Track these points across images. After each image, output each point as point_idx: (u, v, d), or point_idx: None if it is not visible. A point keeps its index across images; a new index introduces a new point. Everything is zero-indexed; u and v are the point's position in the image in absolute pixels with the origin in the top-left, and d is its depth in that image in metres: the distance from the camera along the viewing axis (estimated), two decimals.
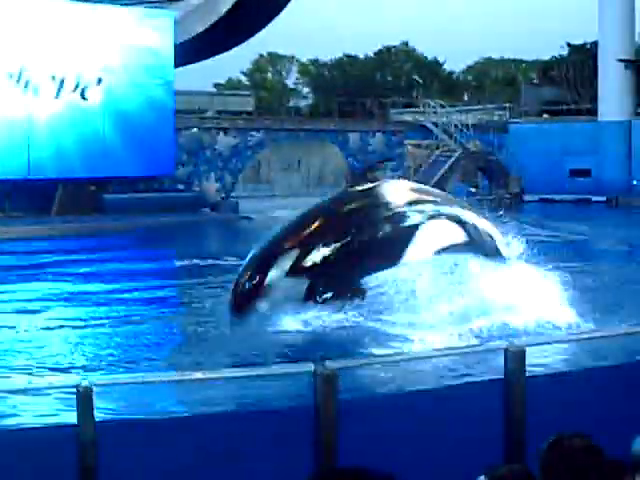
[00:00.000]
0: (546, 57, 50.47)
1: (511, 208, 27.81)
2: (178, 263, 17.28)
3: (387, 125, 36.47)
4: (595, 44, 37.49)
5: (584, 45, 44.94)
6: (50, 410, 6.29)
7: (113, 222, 25.21)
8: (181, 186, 30.10)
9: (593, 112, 35.66)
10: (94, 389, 4.74)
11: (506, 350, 5.79)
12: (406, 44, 54.28)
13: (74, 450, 4.66)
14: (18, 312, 12.00)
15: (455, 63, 56.22)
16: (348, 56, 53.53)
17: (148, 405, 6.40)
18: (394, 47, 54.20)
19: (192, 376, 6.40)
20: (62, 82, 27.01)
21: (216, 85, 50.30)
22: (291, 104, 50.70)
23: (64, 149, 26.95)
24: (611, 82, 34.41)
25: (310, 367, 5.28)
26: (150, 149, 27.99)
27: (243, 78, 54.93)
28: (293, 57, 55.19)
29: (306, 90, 55.12)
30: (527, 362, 5.56)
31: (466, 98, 47.12)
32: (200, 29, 30.54)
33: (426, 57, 54.51)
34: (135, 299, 12.69)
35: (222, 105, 36.01)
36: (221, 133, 31.60)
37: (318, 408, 5.14)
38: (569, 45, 47.76)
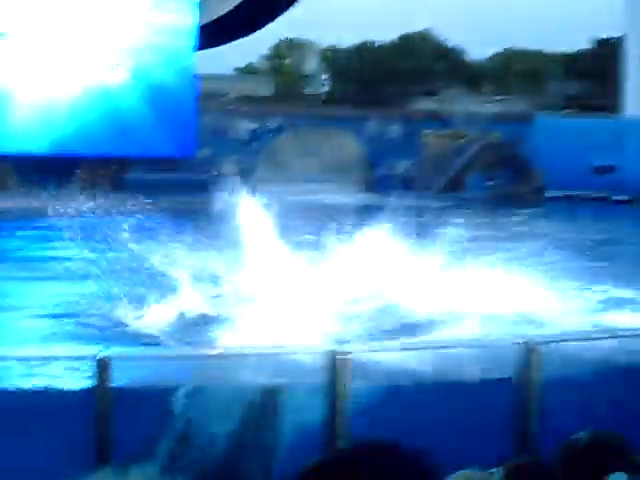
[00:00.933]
0: (571, 50, 50.10)
1: (532, 204, 27.36)
2: None
3: (406, 113, 36.30)
4: (621, 39, 37.11)
5: (609, 39, 44.56)
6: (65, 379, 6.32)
7: (133, 201, 25.27)
8: (200, 168, 30.05)
9: (618, 107, 35.26)
10: (111, 360, 4.79)
11: (522, 344, 5.70)
12: (428, 31, 53.97)
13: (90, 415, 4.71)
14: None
15: (478, 52, 55.87)
16: (368, 42, 53.27)
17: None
18: (415, 34, 53.90)
19: (209, 352, 6.39)
20: (83, 62, 27.07)
21: (236, 69, 50.17)
22: (310, 90, 50.56)
23: (86, 127, 27.05)
24: (636, 77, 34.01)
25: (326, 349, 5.29)
26: (171, 130, 27.98)
27: (263, 63, 54.76)
28: (313, 43, 54.94)
29: (325, 76, 54.89)
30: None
31: (488, 88, 46.80)
32: (222, 12, 30.42)
33: (448, 45, 54.20)
34: None
35: (242, 89, 35.95)
36: (240, 117, 31.57)
37: (333, 390, 5.17)
38: (594, 39, 47.41)
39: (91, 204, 24.18)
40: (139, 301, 11.04)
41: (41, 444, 4.87)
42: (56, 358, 6.04)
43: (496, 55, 55.66)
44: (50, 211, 22.07)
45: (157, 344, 8.68)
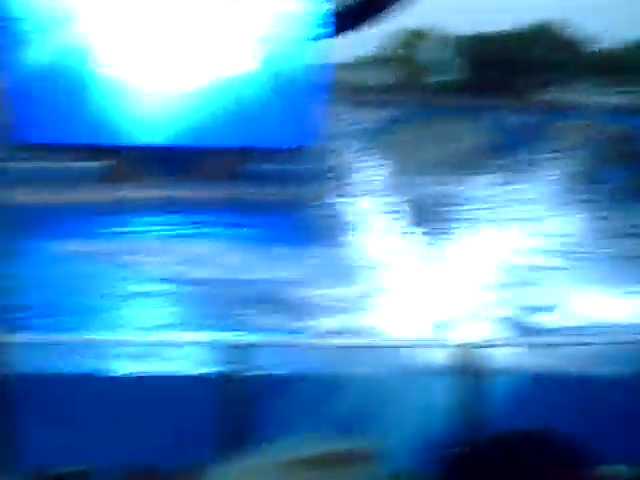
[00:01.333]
0: None
1: None
2: None
3: (534, 104, 35.52)
4: None
5: None
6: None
7: (253, 192, 25.53)
8: (323, 159, 30.06)
9: None
10: (246, 347, 4.79)
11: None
12: (557, 20, 52.61)
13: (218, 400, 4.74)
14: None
15: (608, 42, 54.06)
16: (496, 31, 52.28)
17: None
18: (545, 22, 52.62)
19: (343, 342, 6.36)
20: (209, 52, 27.38)
21: (361, 58, 49.97)
22: (436, 79, 49.96)
23: (210, 118, 27.39)
24: None
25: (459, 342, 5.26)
26: (295, 121, 28.07)
27: (388, 52, 54.42)
28: (439, 31, 54.29)
29: (452, 65, 54.19)
30: None
31: (617, 79, 45.33)
32: (348, 0, 30.31)
33: (578, 34, 52.75)
34: None
35: (364, 78, 35.78)
36: (365, 106, 31.43)
37: (467, 383, 5.15)
38: None
39: (214, 194, 24.58)
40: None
41: (180, 431, 4.91)
42: (194, 344, 6.09)
43: (627, 45, 53.92)
44: (174, 201, 22.56)
45: (294, 332, 8.73)
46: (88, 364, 6.36)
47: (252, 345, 5.38)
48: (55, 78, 26.84)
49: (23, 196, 23.53)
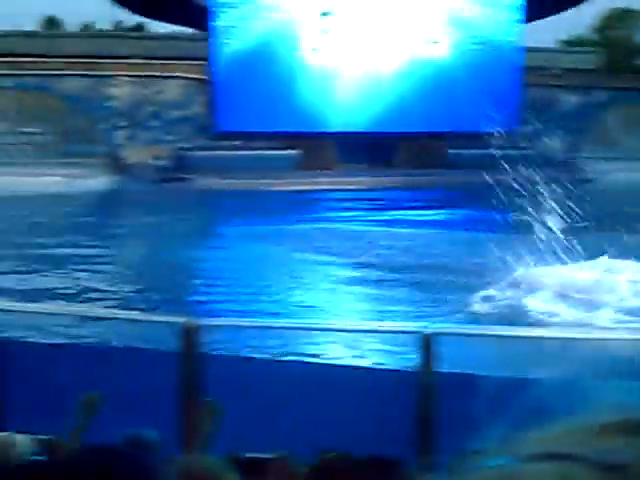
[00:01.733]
0: None
1: None
2: None
3: None
4: None
5: None
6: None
7: (454, 177, 25.29)
8: (523, 144, 29.40)
9: None
10: (434, 338, 4.68)
11: None
12: None
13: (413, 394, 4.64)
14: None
15: None
16: None
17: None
18: None
19: (541, 334, 6.15)
20: (405, 37, 27.33)
21: (560, 42, 48.54)
22: None
23: (407, 103, 27.33)
24: None
25: None
26: (493, 105, 27.59)
27: (591, 35, 52.63)
28: None
29: None
30: None
31: None
32: None
33: None
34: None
35: (567, 62, 34.70)
36: (565, 91, 30.54)
37: None
38: None
39: (411, 180, 24.50)
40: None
41: (375, 421, 4.86)
42: (380, 332, 6.03)
43: None
44: (371, 188, 22.56)
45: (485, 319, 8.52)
46: (285, 349, 6.44)
47: (447, 334, 5.26)
48: (255, 67, 27.53)
49: (221, 183, 24.33)
